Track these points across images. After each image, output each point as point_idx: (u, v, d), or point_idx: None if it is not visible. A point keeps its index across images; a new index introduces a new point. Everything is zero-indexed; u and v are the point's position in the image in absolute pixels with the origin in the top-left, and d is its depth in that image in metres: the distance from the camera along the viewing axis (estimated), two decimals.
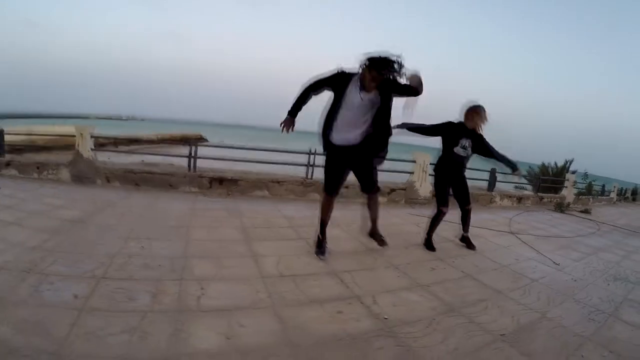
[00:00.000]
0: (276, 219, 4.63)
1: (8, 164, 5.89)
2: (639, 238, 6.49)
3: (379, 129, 3.08)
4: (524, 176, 10.99)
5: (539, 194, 9.00)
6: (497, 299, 2.86)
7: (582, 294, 3.16)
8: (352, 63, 2.97)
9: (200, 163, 6.41)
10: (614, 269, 4.08)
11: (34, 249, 2.75)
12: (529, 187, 10.73)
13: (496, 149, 4.00)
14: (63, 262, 2.55)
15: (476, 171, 8.62)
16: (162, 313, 1.99)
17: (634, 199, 18.05)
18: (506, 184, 9.23)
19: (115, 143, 17.79)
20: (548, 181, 11.12)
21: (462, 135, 3.85)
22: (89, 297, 2.07)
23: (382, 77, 2.85)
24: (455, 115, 3.92)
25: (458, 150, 3.85)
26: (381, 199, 6.50)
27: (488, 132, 3.93)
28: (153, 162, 7.04)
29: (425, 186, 6.70)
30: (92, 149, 5.86)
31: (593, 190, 11.22)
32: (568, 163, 11.73)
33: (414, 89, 2.88)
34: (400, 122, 3.74)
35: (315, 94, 3.14)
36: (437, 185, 4.03)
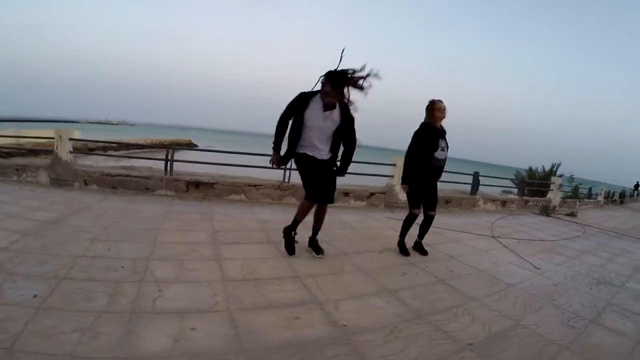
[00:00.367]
0: (249, 222, 4.43)
1: None
2: (625, 240, 6.34)
3: (344, 146, 3.22)
4: (512, 180, 10.90)
5: (524, 197, 8.85)
6: (469, 305, 2.63)
7: (562, 299, 2.95)
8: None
9: (187, 167, 6.30)
10: (598, 273, 3.87)
11: (2, 250, 2.70)
12: (516, 190, 10.63)
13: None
14: (29, 262, 2.52)
15: (458, 175, 8.48)
16: (116, 314, 1.95)
17: (621, 202, 18.05)
18: (491, 187, 9.08)
19: (104, 148, 17.42)
20: (534, 185, 11.00)
21: (439, 136, 3.61)
22: (48, 297, 2.05)
23: (337, 91, 2.88)
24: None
25: (439, 154, 3.60)
26: (360, 203, 6.32)
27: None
28: (131, 165, 6.95)
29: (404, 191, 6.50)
30: (70, 152, 5.72)
31: (580, 194, 11.09)
32: (555, 167, 11.64)
33: (354, 140, 3.19)
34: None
35: (290, 121, 3.14)
36: (413, 189, 3.72)
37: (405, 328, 2.20)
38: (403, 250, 3.73)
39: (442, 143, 3.61)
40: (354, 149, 3.30)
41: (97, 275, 2.41)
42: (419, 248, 3.87)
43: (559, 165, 11.58)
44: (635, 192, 27.22)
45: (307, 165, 3.13)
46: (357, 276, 3.00)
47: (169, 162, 5.92)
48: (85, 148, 10.82)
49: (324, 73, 2.93)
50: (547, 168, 11.91)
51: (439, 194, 7.15)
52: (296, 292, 2.53)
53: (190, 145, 32.12)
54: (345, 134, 3.15)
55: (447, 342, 2.09)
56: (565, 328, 2.43)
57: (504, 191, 10.36)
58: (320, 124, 3.03)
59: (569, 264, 4.12)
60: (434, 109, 3.59)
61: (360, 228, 4.71)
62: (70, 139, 5.76)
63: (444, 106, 3.61)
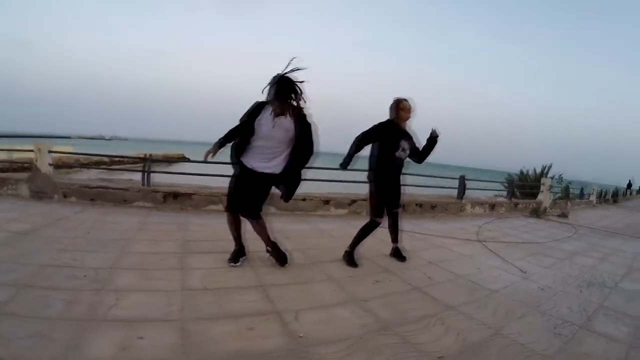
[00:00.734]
0: (223, 232, 4.09)
1: None
2: (618, 239, 6.10)
3: (297, 158, 2.91)
4: (502, 183, 10.66)
5: (514, 200, 8.61)
6: (445, 314, 2.36)
7: (549, 304, 2.68)
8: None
9: (181, 179, 6.43)
10: (589, 274, 3.61)
11: None
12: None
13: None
14: None
15: (444, 179, 8.26)
16: (70, 321, 1.92)
17: (614, 201, 17.81)
18: (482, 192, 8.86)
19: (97, 162, 17.04)
20: (526, 187, 10.76)
21: (401, 136, 3.39)
22: (8, 303, 2.05)
23: (284, 97, 2.78)
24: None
25: (399, 154, 3.38)
26: (342, 211, 6.06)
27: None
28: (111, 178, 6.87)
29: None
30: (50, 165, 5.61)
31: (571, 194, 10.82)
32: (546, 168, 11.43)
33: (311, 146, 2.92)
34: (342, 163, 3.38)
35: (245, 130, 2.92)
36: (377, 194, 3.41)
37: (369, 340, 1.96)
38: (351, 261, 3.31)
39: (403, 144, 3.39)
40: (309, 155, 2.96)
41: (59, 284, 2.38)
42: (397, 254, 3.60)
43: (550, 167, 11.38)
44: (628, 190, 26.97)
45: (242, 176, 2.90)
46: (325, 285, 2.75)
47: (146, 174, 5.76)
48: (77, 163, 10.61)
49: (270, 80, 2.83)
50: (539, 170, 11.73)
51: (424, 199, 6.97)
52: (256, 302, 2.34)
53: (183, 159, 31.90)
54: (301, 142, 2.89)
55: (415, 355, 1.84)
56: (551, 336, 2.17)
57: (496, 195, 10.13)
58: (270, 134, 2.81)
59: (558, 266, 3.85)
60: (399, 108, 3.38)
61: (338, 236, 4.43)
62: (50, 152, 5.64)
63: (410, 106, 3.39)
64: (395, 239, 3.64)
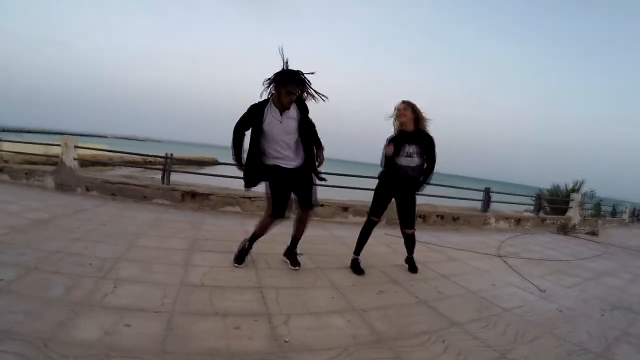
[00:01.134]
0: (236, 233, 4.16)
1: (1, 170, 6.00)
2: None
3: (309, 147, 2.90)
4: (532, 197, 10.10)
5: (541, 215, 8.11)
6: (448, 331, 2.20)
7: (566, 328, 2.45)
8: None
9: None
10: (616, 296, 3.30)
11: None
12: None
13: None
14: (8, 252, 2.63)
15: (468, 190, 7.91)
16: (65, 303, 1.98)
17: None
18: (507, 205, 8.42)
19: (129, 161, 17.54)
20: (558, 202, 10.11)
21: (405, 141, 3.17)
22: (12, 282, 2.16)
23: (290, 90, 2.65)
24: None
25: (401, 160, 3.16)
26: (360, 219, 5.89)
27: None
28: (133, 174, 7.12)
29: None
30: (75, 159, 5.84)
31: (602, 211, 10.05)
32: (578, 184, 10.74)
33: (317, 137, 2.93)
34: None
35: (245, 132, 2.91)
36: (376, 194, 3.37)
37: (357, 352, 1.84)
38: (356, 268, 3.20)
39: (409, 148, 3.15)
40: (317, 145, 2.98)
41: (64, 269, 2.45)
42: (410, 263, 3.44)
43: (582, 183, 10.69)
44: None
45: (276, 176, 2.85)
46: (326, 292, 2.65)
47: (165, 172, 5.87)
48: (111, 161, 11.14)
49: (271, 77, 2.71)
50: (570, 186, 11.06)
51: (445, 210, 6.69)
52: (250, 303, 2.30)
53: (216, 163, 32.74)
54: (306, 129, 2.84)
55: None
56: None
57: (526, 210, 9.59)
58: (281, 131, 2.76)
59: (583, 286, 3.55)
60: (396, 113, 3.22)
61: (351, 244, 4.25)
62: (75, 147, 5.89)
63: (402, 106, 3.18)
64: (409, 250, 3.48)
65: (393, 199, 3.36)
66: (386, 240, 4.65)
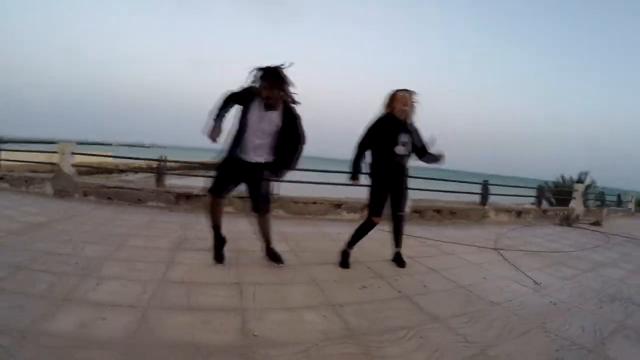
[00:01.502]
0: (225, 232, 4.05)
1: (1, 178, 6.07)
2: None
3: (283, 150, 2.79)
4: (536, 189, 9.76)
5: (543, 207, 7.81)
6: (427, 327, 2.03)
7: (558, 322, 2.25)
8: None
9: None
10: (615, 287, 3.07)
11: None
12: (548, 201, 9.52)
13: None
14: (1, 254, 2.70)
15: (465, 184, 7.67)
16: (47, 299, 2.04)
17: None
18: (509, 198, 8.13)
19: (136, 168, 17.53)
20: (563, 193, 9.75)
21: (400, 130, 3.02)
22: (2, 279, 2.23)
23: (272, 88, 2.60)
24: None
25: (399, 149, 3.02)
26: (354, 215, 5.73)
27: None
28: (130, 179, 7.07)
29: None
30: (72, 165, 5.85)
31: (606, 201, 9.63)
32: (583, 175, 10.36)
33: (302, 136, 2.79)
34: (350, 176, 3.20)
35: (230, 107, 2.79)
36: (374, 191, 3.12)
37: (326, 347, 1.73)
38: (344, 261, 3.08)
39: (403, 138, 3.01)
40: (301, 145, 2.83)
41: (51, 268, 2.50)
42: (398, 259, 3.26)
43: (587, 174, 10.31)
44: None
45: (228, 163, 2.77)
46: (304, 287, 2.52)
47: (159, 175, 5.95)
48: (127, 167, 11.20)
49: (256, 68, 2.64)
50: (575, 177, 10.70)
51: (442, 204, 6.47)
52: (226, 298, 2.25)
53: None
54: (288, 132, 2.76)
55: None
56: None
57: (532, 204, 9.24)
58: (256, 126, 2.68)
59: (580, 278, 3.32)
60: (394, 100, 3.03)
61: (340, 240, 4.09)
62: (72, 153, 5.89)
63: (405, 96, 3.01)
64: (397, 243, 3.30)
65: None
66: (379, 237, 4.44)
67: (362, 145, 3.13)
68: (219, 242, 2.98)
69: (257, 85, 2.67)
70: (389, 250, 3.36)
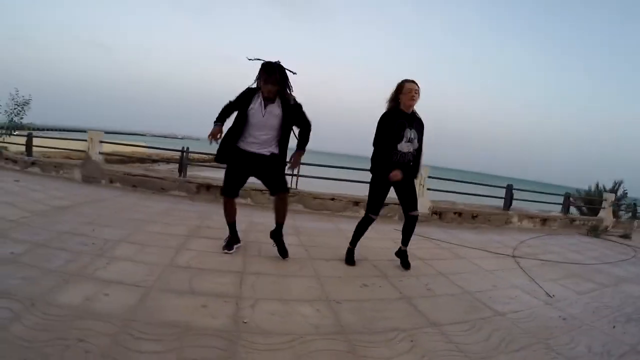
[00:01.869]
0: (239, 223, 4.08)
1: (33, 163, 6.38)
2: None
3: (298, 130, 2.90)
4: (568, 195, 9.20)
5: (570, 215, 7.32)
6: (421, 331, 1.98)
7: (564, 339, 2.11)
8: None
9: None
10: (633, 306, 2.85)
11: (10, 221, 3.09)
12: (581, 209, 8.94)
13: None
14: (24, 232, 2.86)
15: (487, 187, 7.36)
16: (60, 273, 2.15)
17: None
18: (535, 204, 7.71)
19: (168, 158, 18.13)
20: (596, 202, 9.14)
21: (406, 124, 2.82)
22: (21, 255, 2.37)
23: (272, 79, 2.66)
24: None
25: (403, 146, 2.84)
26: None
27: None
28: (162, 169, 7.32)
29: (422, 201, 5.68)
30: (100, 153, 6.07)
31: (638, 213, 8.87)
32: (617, 185, 9.63)
33: (308, 121, 2.86)
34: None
35: (233, 110, 2.88)
36: (373, 188, 3.00)
37: (312, 341, 1.73)
38: (349, 258, 3.04)
39: (409, 134, 2.84)
40: (308, 129, 2.90)
41: (68, 247, 2.61)
42: (402, 257, 3.13)
43: (621, 183, 9.58)
44: None
45: (239, 161, 2.83)
46: (305, 281, 2.54)
47: (182, 165, 5.99)
48: (161, 159, 11.63)
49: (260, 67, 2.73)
50: (609, 186, 9.97)
51: (463, 207, 6.25)
52: (226, 285, 2.29)
53: None
54: (293, 123, 2.85)
55: None
56: None
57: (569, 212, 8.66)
58: (260, 122, 2.75)
59: (598, 293, 3.11)
60: (400, 92, 2.85)
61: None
62: (100, 142, 6.13)
63: (413, 88, 2.81)
64: (404, 241, 3.14)
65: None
66: (392, 236, 4.37)
67: (380, 147, 2.91)
68: (234, 236, 3.06)
69: (255, 83, 2.77)
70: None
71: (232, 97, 2.84)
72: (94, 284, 2.07)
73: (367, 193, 3.14)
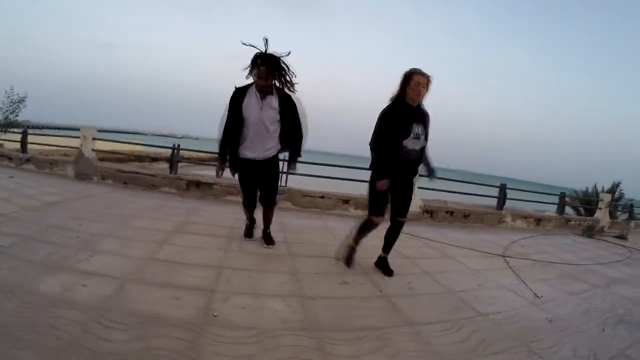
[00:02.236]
0: (225, 219, 4.05)
1: (28, 160, 6.29)
2: None
3: (289, 138, 2.81)
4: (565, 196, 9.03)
5: (565, 215, 7.14)
6: (396, 330, 1.86)
7: (548, 342, 1.98)
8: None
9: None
10: (625, 309, 2.70)
11: (1, 216, 3.06)
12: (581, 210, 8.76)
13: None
14: (14, 226, 2.86)
15: (482, 186, 7.20)
16: (43, 264, 2.17)
17: None
18: (531, 204, 7.53)
19: (166, 157, 18.19)
20: (592, 202, 8.96)
21: (413, 119, 2.50)
22: (8, 247, 2.37)
23: (269, 70, 2.52)
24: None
25: (409, 142, 2.50)
26: (361, 212, 5.48)
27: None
28: (160, 167, 7.23)
29: (413, 200, 5.51)
30: (93, 150, 5.99)
31: (635, 214, 8.68)
32: (615, 185, 9.43)
33: (299, 128, 2.78)
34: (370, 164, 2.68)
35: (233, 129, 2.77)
36: (371, 189, 2.67)
37: (279, 336, 1.65)
38: (348, 258, 2.82)
39: (416, 129, 2.51)
40: (301, 137, 2.81)
41: (54, 240, 2.62)
42: (383, 265, 2.81)
43: (619, 184, 9.39)
44: None
45: (244, 170, 2.84)
46: (282, 277, 2.44)
47: (173, 163, 5.89)
48: (160, 157, 11.56)
49: (252, 58, 2.56)
50: (607, 187, 9.79)
51: (455, 206, 6.09)
52: (202, 279, 2.25)
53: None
54: (289, 120, 2.73)
55: None
56: None
57: (564, 212, 8.48)
58: (259, 116, 2.62)
59: (589, 294, 2.97)
60: (408, 84, 2.50)
61: (340, 235, 3.92)
62: (93, 139, 6.04)
63: (422, 80, 2.47)
64: (386, 248, 2.86)
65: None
66: (382, 235, 4.23)
67: (380, 143, 2.57)
68: (251, 222, 3.22)
69: (249, 76, 2.63)
70: (392, 251, 3.06)
71: (222, 115, 2.73)
72: (74, 275, 2.07)
73: (357, 191, 3.00)
